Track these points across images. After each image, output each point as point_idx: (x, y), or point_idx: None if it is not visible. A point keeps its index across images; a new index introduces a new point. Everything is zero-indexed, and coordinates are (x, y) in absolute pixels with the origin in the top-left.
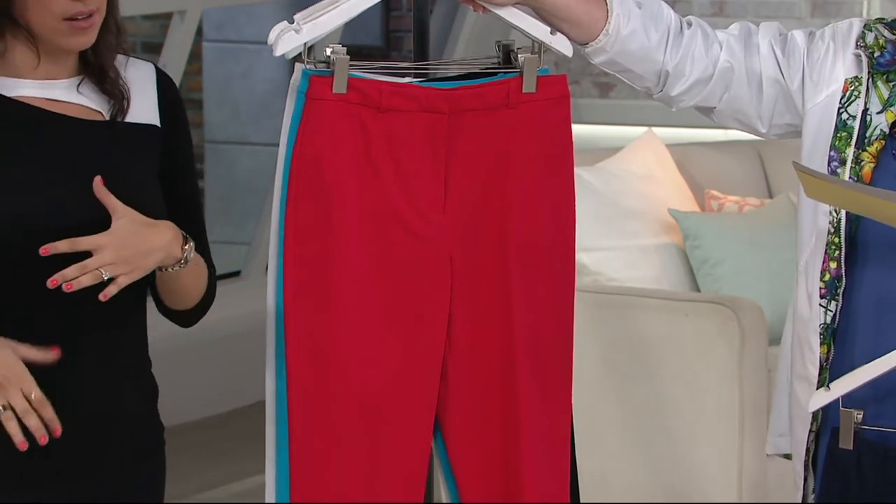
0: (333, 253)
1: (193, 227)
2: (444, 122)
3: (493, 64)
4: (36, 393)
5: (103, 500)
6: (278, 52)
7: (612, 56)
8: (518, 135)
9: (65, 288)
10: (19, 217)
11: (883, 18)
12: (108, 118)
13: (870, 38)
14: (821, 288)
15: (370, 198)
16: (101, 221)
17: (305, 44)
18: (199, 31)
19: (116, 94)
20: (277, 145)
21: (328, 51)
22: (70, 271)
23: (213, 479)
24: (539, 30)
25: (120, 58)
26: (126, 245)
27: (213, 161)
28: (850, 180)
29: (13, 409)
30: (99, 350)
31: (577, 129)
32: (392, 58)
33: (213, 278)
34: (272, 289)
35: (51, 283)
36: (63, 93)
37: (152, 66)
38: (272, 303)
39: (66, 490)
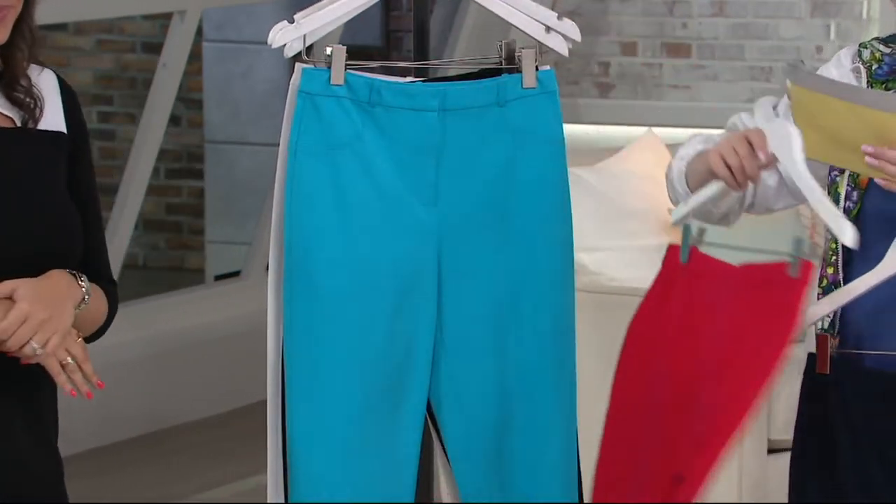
0: None
1: (95, 238)
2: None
3: (493, 64)
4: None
5: None
6: (276, 45)
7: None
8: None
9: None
10: None
11: (877, 37)
12: (19, 124)
13: (866, 54)
14: (818, 294)
15: None
16: (16, 231)
17: (305, 36)
18: (199, 31)
19: (28, 103)
20: (277, 145)
21: (328, 50)
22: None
23: (213, 479)
24: (535, 28)
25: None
26: (43, 308)
27: (213, 161)
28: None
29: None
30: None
31: (577, 129)
32: (392, 58)
33: (115, 294)
34: (272, 288)
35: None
36: None
37: (54, 74)
38: (272, 302)
39: None
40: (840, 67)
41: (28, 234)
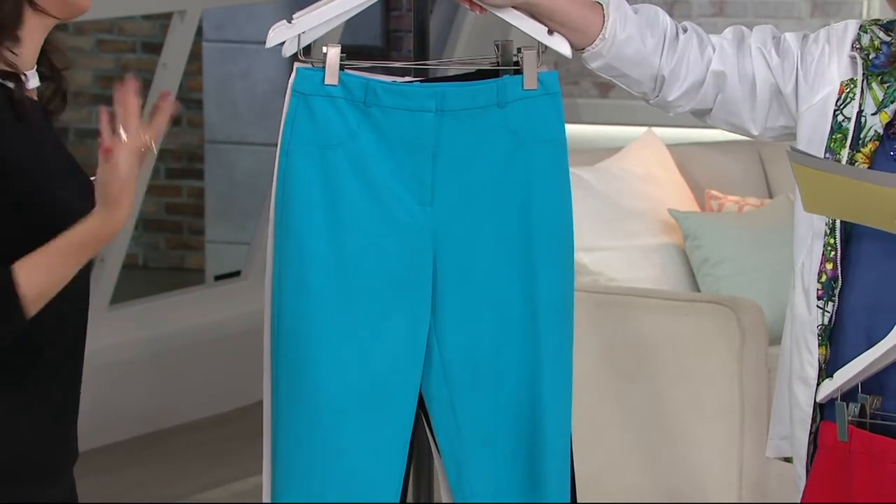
0: None
1: None
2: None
3: (492, 64)
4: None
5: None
6: (271, 44)
7: (608, 61)
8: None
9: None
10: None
11: (879, 20)
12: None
13: (865, 39)
14: (818, 290)
15: None
16: (85, 188)
17: (300, 36)
18: (199, 31)
19: (52, 99)
20: (276, 145)
21: (324, 49)
22: None
23: (213, 479)
24: (537, 30)
25: None
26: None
27: (213, 161)
28: (849, 165)
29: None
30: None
31: (577, 129)
32: (392, 58)
33: None
34: (269, 288)
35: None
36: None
37: None
38: (269, 302)
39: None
40: (841, 47)
41: (88, 192)
